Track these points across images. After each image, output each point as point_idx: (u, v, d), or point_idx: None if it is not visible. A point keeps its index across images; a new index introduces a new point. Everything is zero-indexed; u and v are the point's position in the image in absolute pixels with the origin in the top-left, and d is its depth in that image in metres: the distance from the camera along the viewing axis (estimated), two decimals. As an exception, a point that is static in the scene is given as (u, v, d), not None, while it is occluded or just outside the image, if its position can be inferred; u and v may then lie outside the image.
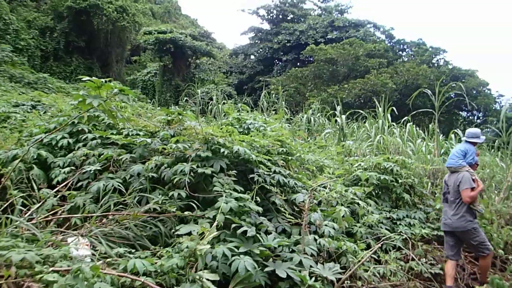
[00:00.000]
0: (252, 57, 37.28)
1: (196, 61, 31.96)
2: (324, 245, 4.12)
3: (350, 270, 3.98)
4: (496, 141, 11.35)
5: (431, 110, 9.67)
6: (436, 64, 25.26)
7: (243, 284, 3.11)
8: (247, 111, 7.48)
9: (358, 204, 5.31)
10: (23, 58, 24.38)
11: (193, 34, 31.13)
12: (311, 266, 3.57)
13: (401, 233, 5.50)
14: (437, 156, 8.38)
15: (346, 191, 5.24)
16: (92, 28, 27.98)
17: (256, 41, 37.86)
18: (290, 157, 5.13)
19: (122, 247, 3.28)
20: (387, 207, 6.09)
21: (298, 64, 32.05)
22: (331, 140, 10.46)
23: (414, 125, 10.95)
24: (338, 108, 10.69)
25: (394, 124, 10.84)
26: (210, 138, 4.14)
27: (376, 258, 5.00)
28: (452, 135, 10.17)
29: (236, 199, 3.71)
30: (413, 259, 5.15)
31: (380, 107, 10.72)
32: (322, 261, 4.07)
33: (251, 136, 4.77)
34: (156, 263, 2.87)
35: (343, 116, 9.89)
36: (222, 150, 4.03)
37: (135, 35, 33.06)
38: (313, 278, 3.41)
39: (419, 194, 6.51)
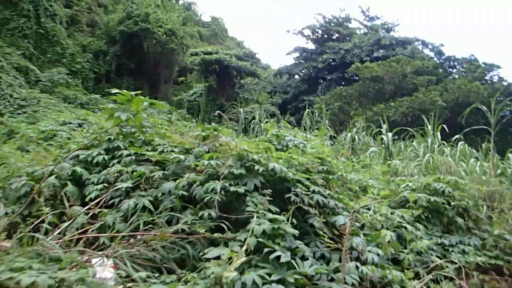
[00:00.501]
0: (297, 76, 37.05)
1: (241, 81, 32.20)
2: (366, 273, 3.76)
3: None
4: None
5: (485, 127, 9.05)
6: (489, 81, 24.04)
7: (275, 315, 2.84)
8: (288, 128, 7.24)
9: (405, 228, 4.90)
10: (78, 80, 25.86)
11: (238, 54, 31.49)
12: (352, 297, 3.25)
13: (454, 261, 5.02)
14: (493, 177, 7.77)
15: (392, 213, 4.86)
16: (142, 51, 29.14)
17: (301, 60, 37.66)
18: (330, 176, 4.82)
19: (148, 270, 3.10)
20: (438, 232, 5.61)
21: (343, 83, 31.51)
22: (375, 159, 10.00)
23: (466, 144, 10.34)
24: (384, 126, 10.25)
25: (445, 142, 10.28)
26: (244, 154, 3.92)
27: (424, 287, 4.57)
28: (510, 155, 9.47)
29: (270, 220, 3.45)
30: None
31: (430, 124, 10.21)
32: (364, 292, 3.72)
33: (289, 153, 4.51)
34: (179, 289, 2.66)
35: (389, 134, 9.45)
36: (256, 167, 3.79)
37: (182, 57, 33.96)
38: (354, 311, 3.09)
39: (473, 218, 5.97)
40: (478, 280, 4.94)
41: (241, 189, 3.61)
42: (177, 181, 4.00)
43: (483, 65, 24.77)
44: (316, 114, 15.02)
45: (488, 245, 5.58)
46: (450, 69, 28.14)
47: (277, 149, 5.11)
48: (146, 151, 4.86)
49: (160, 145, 5.04)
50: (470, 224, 5.83)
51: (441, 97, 20.31)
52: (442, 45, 30.67)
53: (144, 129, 3.43)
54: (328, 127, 12.73)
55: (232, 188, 3.61)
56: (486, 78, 24.36)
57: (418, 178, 6.16)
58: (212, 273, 2.68)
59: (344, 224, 4.10)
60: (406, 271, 4.50)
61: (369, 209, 5.02)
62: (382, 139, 10.58)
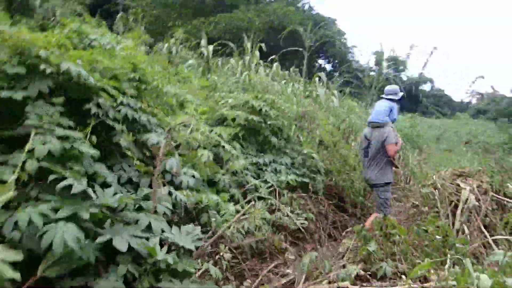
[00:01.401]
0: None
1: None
2: (181, 199, 3.29)
3: (214, 235, 3.25)
4: (348, 89, 11.75)
5: (300, 49, 9.28)
6: (300, 8, 25.44)
7: (62, 265, 2.14)
8: (92, 25, 6.01)
9: (223, 147, 4.57)
10: None
11: None
12: (163, 231, 2.72)
13: (267, 181, 4.98)
14: (303, 98, 8.07)
15: (210, 131, 4.45)
16: None
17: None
18: (143, 86, 4.06)
19: None
20: (253, 151, 5.51)
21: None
22: (194, 74, 9.48)
23: (279, 66, 10.59)
24: (204, 40, 9.68)
25: (262, 62, 10.33)
26: (26, 47, 2.84)
27: (240, 209, 4.40)
28: (317, 79, 10.04)
29: (61, 138, 2.60)
30: (279, 209, 4.69)
31: (249, 41, 10.05)
32: (178, 221, 3.27)
33: (91, 53, 3.53)
34: None
35: (210, 47, 8.95)
36: (43, 67, 2.78)
37: None
38: (166, 248, 2.59)
39: (286, 137, 6.05)
40: (288, 198, 5.02)
41: (18, 95, 2.60)
42: None
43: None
44: (131, 20, 13.54)
45: (297, 164, 5.73)
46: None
47: (75, 48, 4.04)
48: None
49: None
50: (283, 144, 5.88)
51: (258, 18, 20.60)
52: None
53: None
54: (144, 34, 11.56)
55: (4, 93, 2.58)
56: (298, 5, 25.68)
57: (237, 95, 5.86)
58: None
59: (157, 144, 3.50)
60: (222, 193, 4.23)
61: (186, 126, 4.51)
62: (201, 53, 10.06)
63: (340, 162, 5.94)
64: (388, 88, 5.71)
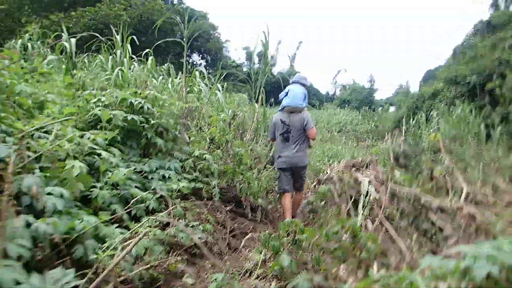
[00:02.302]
0: None
1: None
2: (44, 231, 2.41)
3: (94, 274, 2.42)
4: (225, 84, 11.35)
5: (179, 40, 8.51)
6: (170, 2, 24.42)
7: None
8: None
9: (99, 155, 3.69)
10: None
11: None
12: (17, 283, 1.86)
13: (155, 191, 4.20)
14: (185, 93, 7.36)
15: (81, 137, 3.55)
16: None
17: None
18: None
19: None
20: (136, 157, 4.66)
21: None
22: (55, 72, 8.14)
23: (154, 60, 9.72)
24: (65, 35, 8.37)
25: (134, 57, 9.36)
26: None
27: (125, 231, 3.58)
28: (197, 73, 9.39)
29: None
30: (172, 224, 3.95)
31: (118, 35, 8.98)
32: (41, 263, 2.38)
33: None
34: None
35: (73, 40, 7.73)
36: None
37: None
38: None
39: (173, 138, 5.30)
40: (181, 208, 4.31)
41: None
42: None
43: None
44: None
45: (188, 167, 5.04)
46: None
47: None
48: None
49: None
50: (170, 146, 5.14)
51: (125, 12, 19.18)
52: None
53: None
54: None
55: None
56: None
57: (112, 92, 4.93)
58: None
59: (5, 158, 2.57)
60: (101, 212, 3.38)
61: (48, 132, 3.54)
62: (62, 50, 8.72)
63: (235, 162, 5.39)
64: (298, 75, 6.09)
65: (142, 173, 4.40)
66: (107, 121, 4.38)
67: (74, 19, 18.01)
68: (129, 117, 4.53)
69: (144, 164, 4.52)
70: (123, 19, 17.80)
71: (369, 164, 6.59)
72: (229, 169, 5.29)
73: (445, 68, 22.26)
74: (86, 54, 9.57)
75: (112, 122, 4.42)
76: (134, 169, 4.26)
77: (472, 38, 22.60)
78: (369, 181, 5.56)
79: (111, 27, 9.35)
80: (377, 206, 5.22)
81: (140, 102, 4.76)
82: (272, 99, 13.88)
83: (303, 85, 5.83)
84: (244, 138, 6.19)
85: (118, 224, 3.44)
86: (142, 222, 3.57)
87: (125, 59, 8.56)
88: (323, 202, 6.04)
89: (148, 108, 4.79)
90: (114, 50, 8.90)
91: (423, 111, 19.97)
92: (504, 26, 20.61)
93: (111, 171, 3.83)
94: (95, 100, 4.69)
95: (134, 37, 9.18)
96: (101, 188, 3.63)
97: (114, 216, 3.50)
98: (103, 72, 8.06)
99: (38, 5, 20.54)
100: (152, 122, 4.76)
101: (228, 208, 5.18)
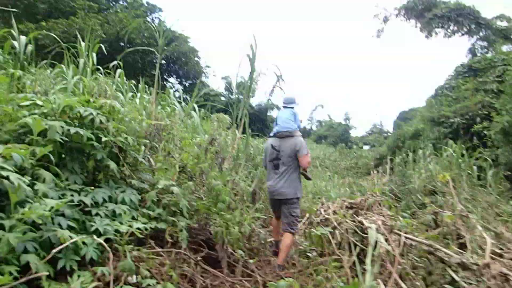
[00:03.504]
0: None
1: None
2: None
3: None
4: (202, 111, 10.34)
5: (151, 49, 7.44)
6: (150, 22, 23.43)
7: None
8: None
9: (7, 179, 2.50)
10: None
11: None
12: None
13: (97, 234, 3.00)
14: (154, 110, 6.21)
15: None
16: None
17: None
18: None
19: None
20: (78, 184, 3.46)
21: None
22: None
23: (124, 76, 8.62)
24: (15, 33, 7.16)
25: (101, 68, 8.24)
26: None
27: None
28: (171, 90, 8.33)
29: None
30: (116, 282, 2.76)
31: (84, 42, 7.89)
32: None
33: None
34: None
35: (23, 38, 6.56)
36: None
37: None
38: None
39: (132, 162, 4.13)
40: (133, 260, 3.12)
41: None
42: None
43: (146, 5, 23.96)
44: None
45: (149, 202, 3.85)
46: (113, 2, 26.11)
47: None
48: None
49: None
50: (127, 171, 3.96)
51: (101, 28, 18.07)
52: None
53: None
54: None
55: None
56: (148, 18, 23.70)
57: (54, 97, 3.76)
58: None
59: None
60: (4, 267, 2.19)
61: None
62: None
63: (211, 198, 4.22)
64: (287, 97, 5.41)
65: (82, 206, 3.20)
66: (39, 133, 3.20)
67: (44, 30, 16.72)
68: (72, 130, 3.37)
69: (86, 195, 3.32)
70: (98, 34, 16.68)
71: (371, 206, 5.51)
72: (203, 207, 4.13)
73: (427, 109, 21.98)
74: (45, 61, 8.35)
75: (48, 136, 3.25)
76: (70, 201, 3.07)
77: (454, 81, 22.46)
78: (377, 228, 4.49)
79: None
80: (387, 260, 4.14)
81: (91, 113, 3.61)
82: (250, 130, 13.01)
83: (291, 107, 5.29)
84: (223, 169, 5.06)
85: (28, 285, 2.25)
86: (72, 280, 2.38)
87: (88, 69, 7.44)
88: (316, 251, 4.95)
89: (101, 121, 3.64)
90: (78, 59, 7.77)
91: (403, 150, 19.43)
92: (485, 71, 20.53)
93: (31, 203, 2.65)
94: (28, 103, 3.50)
95: (102, 46, 8.09)
96: (10, 228, 2.44)
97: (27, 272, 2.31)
98: (61, 81, 6.88)
99: (8, 14, 19.18)
100: (105, 139, 3.59)
101: (198, 256, 3.98)
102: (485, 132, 15.13)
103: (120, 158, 3.90)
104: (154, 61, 20.67)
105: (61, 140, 3.28)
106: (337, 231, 4.72)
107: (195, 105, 7.62)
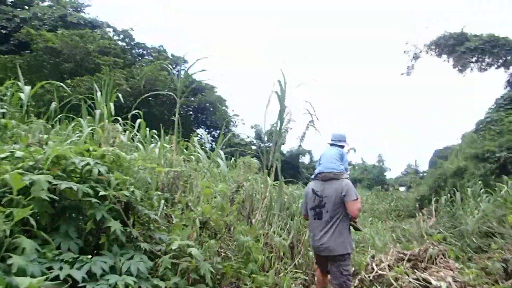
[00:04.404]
0: None
1: None
2: None
3: None
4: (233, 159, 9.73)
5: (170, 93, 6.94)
6: (176, 74, 23.42)
7: None
8: None
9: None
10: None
11: None
12: None
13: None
14: (175, 157, 5.58)
15: None
16: None
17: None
18: None
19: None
20: (73, 252, 2.75)
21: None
22: None
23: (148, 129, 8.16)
24: (21, 83, 6.77)
25: (120, 119, 7.75)
26: None
27: None
28: (195, 138, 7.75)
29: None
30: None
31: (101, 91, 7.49)
32: None
33: None
34: None
35: (27, 88, 6.15)
36: None
37: None
38: None
39: (143, 220, 3.42)
40: None
41: None
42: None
43: (171, 57, 24.18)
44: None
45: (163, 268, 3.10)
46: (139, 57, 26.54)
47: None
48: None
49: None
50: (134, 232, 3.24)
51: (127, 82, 18.10)
52: (132, 29, 28.68)
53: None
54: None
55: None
56: (174, 71, 23.83)
57: (45, 146, 3.15)
58: None
59: None
60: None
61: None
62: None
63: (240, 258, 3.44)
64: (335, 133, 4.79)
65: (73, 281, 2.47)
66: (20, 190, 2.55)
67: (69, 88, 16.81)
68: (64, 185, 2.71)
69: (81, 266, 2.61)
70: (123, 89, 16.63)
71: (435, 258, 4.55)
72: (231, 270, 3.34)
73: (468, 145, 20.82)
74: (60, 115, 7.95)
75: (32, 192, 2.60)
76: (60, 273, 2.35)
77: (495, 114, 21.32)
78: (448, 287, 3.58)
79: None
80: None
81: (88, 163, 2.96)
82: (282, 177, 12.30)
83: (340, 146, 4.70)
84: (253, 220, 4.28)
85: None
86: None
87: (106, 120, 6.95)
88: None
89: (100, 172, 2.98)
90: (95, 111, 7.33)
91: (446, 190, 18.21)
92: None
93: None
94: (5, 155, 2.87)
95: (120, 95, 7.66)
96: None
97: None
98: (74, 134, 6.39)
99: (37, 75, 19.57)
100: (104, 193, 2.90)
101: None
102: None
103: (126, 216, 3.20)
104: (182, 112, 20.58)
105: (47, 199, 2.61)
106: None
107: (221, 152, 6.96)
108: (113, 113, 7.29)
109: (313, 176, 4.59)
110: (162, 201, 3.91)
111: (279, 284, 3.33)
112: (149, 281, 2.93)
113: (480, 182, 13.95)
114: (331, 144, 4.73)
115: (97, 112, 6.99)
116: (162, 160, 5.39)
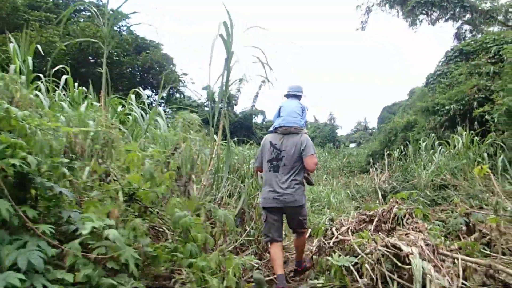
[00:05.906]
0: None
1: None
2: None
3: None
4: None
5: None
6: (118, 31, 21.78)
7: None
8: None
9: None
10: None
11: None
12: None
13: None
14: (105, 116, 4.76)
15: None
16: None
17: None
18: None
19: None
20: None
21: None
22: None
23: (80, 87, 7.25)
24: None
25: (42, 76, 6.79)
26: None
27: None
28: (132, 96, 6.88)
29: None
30: None
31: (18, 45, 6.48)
32: None
33: None
34: None
35: None
36: None
37: None
38: None
39: (45, 196, 2.65)
40: None
41: None
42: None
43: (111, 12, 22.37)
44: None
45: (69, 258, 2.38)
46: (76, 13, 24.40)
47: None
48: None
49: None
50: (32, 213, 2.47)
51: (61, 40, 16.50)
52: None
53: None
54: None
55: None
56: (115, 28, 22.13)
57: None
58: None
59: None
60: None
61: None
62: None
63: (176, 238, 2.77)
64: (292, 85, 4.65)
65: None
66: None
67: (-10, 46, 15.08)
68: None
69: None
70: (55, 46, 15.09)
71: (402, 218, 4.10)
72: (163, 255, 2.67)
73: (419, 98, 20.95)
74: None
75: None
76: None
77: (445, 67, 21.43)
78: (420, 253, 3.13)
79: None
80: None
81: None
82: (236, 138, 11.74)
83: (298, 97, 4.59)
84: (191, 190, 3.58)
85: None
86: None
87: (23, 76, 5.96)
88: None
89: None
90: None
91: (397, 144, 18.34)
92: (477, 54, 19.55)
93: None
94: None
95: (39, 46, 6.63)
96: None
97: None
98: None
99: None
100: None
101: None
102: (486, 117, 14.00)
103: (24, 192, 2.44)
104: (122, 72, 19.12)
105: None
106: (365, 263, 3.32)
107: (161, 110, 6.16)
108: (31, 67, 6.30)
109: (271, 129, 4.48)
110: (87, 170, 3.15)
111: (224, 270, 2.70)
112: (50, 274, 2.22)
113: (433, 135, 13.95)
114: (288, 96, 4.60)
115: (11, 67, 5.98)
116: (91, 121, 4.57)
